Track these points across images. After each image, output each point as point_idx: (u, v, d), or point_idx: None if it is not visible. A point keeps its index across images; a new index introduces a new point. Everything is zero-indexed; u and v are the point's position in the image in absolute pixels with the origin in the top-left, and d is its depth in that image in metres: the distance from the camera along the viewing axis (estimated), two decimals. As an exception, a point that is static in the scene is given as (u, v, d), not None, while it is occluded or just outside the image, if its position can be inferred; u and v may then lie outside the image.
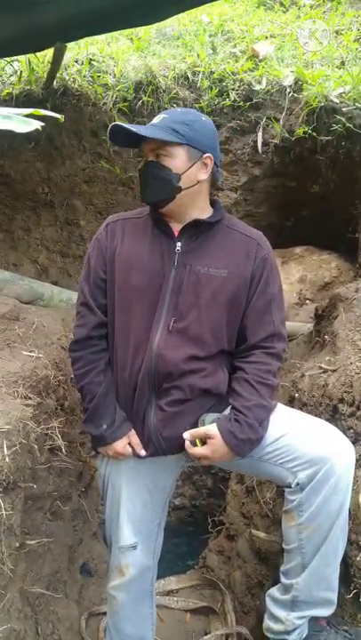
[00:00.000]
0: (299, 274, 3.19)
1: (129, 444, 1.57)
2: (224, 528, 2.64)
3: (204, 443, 1.49)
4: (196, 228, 1.58)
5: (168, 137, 1.49)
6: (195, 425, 1.53)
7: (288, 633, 1.52)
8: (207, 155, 1.54)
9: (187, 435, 1.50)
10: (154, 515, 1.69)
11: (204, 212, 1.62)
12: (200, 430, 1.50)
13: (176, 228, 1.58)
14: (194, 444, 1.50)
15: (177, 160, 1.52)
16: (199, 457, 1.50)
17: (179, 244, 1.56)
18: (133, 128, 1.48)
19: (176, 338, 1.51)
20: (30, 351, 2.01)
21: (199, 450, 1.49)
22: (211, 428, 1.48)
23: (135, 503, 1.63)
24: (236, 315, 1.56)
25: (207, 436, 1.48)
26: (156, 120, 1.55)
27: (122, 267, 1.57)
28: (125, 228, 1.64)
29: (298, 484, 1.44)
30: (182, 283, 1.53)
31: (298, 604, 1.49)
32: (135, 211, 1.73)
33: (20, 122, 1.22)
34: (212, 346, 1.53)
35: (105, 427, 1.55)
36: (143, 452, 1.56)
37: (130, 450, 1.57)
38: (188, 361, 1.50)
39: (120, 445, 1.56)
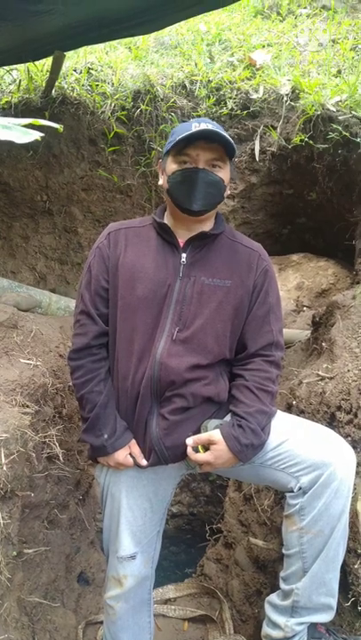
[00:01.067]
0: (296, 281, 3.20)
1: (130, 454, 1.56)
2: (222, 536, 2.63)
3: (206, 449, 1.49)
4: (201, 240, 1.59)
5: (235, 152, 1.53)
6: (197, 432, 1.53)
7: (288, 640, 1.52)
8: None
9: (190, 441, 1.50)
10: (153, 523, 1.68)
11: (209, 223, 1.63)
12: (203, 436, 1.50)
13: (181, 239, 1.60)
14: (196, 451, 1.50)
15: (226, 173, 1.56)
16: (201, 463, 1.50)
17: (184, 255, 1.57)
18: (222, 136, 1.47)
19: (180, 347, 1.51)
20: (28, 359, 2.02)
21: (202, 456, 1.48)
22: (214, 433, 1.48)
23: (135, 512, 1.63)
24: (240, 324, 1.58)
25: (210, 442, 1.48)
26: (214, 128, 1.49)
27: (126, 277, 1.57)
28: (128, 236, 1.64)
29: (300, 489, 1.44)
30: (187, 293, 1.54)
31: (298, 609, 1.49)
32: (135, 220, 1.74)
33: (19, 132, 1.22)
34: (215, 354, 1.55)
35: (106, 437, 1.54)
36: (144, 462, 1.56)
37: (131, 460, 1.56)
38: (191, 369, 1.51)
39: (121, 455, 1.55)
